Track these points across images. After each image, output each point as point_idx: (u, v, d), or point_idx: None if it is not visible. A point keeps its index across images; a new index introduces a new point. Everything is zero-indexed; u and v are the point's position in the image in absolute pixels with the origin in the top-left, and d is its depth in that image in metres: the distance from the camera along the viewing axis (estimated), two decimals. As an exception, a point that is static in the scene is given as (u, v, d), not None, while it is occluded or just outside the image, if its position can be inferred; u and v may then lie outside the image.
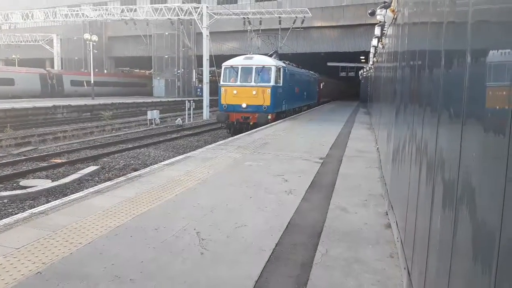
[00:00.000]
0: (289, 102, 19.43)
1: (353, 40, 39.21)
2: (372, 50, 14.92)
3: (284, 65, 18.39)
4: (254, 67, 16.51)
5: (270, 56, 19.50)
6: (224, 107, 16.72)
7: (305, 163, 8.09)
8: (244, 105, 16.25)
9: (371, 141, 11.47)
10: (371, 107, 20.20)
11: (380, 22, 8.56)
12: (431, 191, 2.33)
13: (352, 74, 43.28)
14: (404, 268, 3.25)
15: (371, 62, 18.99)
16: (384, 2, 7.09)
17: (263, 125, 15.27)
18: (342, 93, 54.75)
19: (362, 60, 39.49)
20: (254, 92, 16.16)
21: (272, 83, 16.35)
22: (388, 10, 6.56)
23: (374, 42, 11.88)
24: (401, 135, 4.22)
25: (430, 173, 2.42)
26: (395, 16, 6.20)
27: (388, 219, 4.73)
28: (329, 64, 42.08)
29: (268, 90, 16.19)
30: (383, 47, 9.86)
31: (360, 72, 36.09)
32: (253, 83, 16.37)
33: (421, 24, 3.24)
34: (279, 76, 17.10)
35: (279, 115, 17.85)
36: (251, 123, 16.09)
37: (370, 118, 19.10)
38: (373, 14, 8.05)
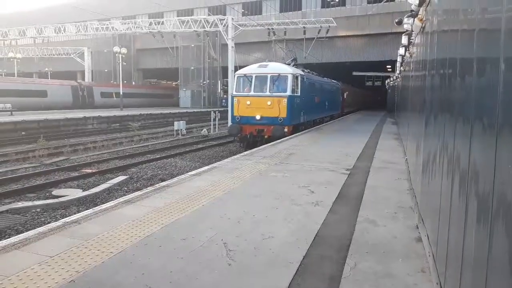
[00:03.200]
0: (308, 113, 18.10)
1: (378, 49, 38.86)
2: (399, 59, 14.73)
3: (302, 73, 17.14)
4: (269, 75, 15.31)
5: (289, 64, 18.49)
6: (237, 119, 15.55)
7: (332, 174, 8.01)
8: (258, 117, 15.01)
9: (399, 152, 11.25)
10: (398, 117, 19.85)
11: (407, 31, 8.45)
12: (464, 204, 2.27)
13: (378, 83, 42.75)
14: (437, 284, 3.16)
15: (398, 71, 18.74)
16: (411, 11, 7.01)
17: (279, 139, 14.05)
18: (367, 103, 53.98)
19: (388, 69, 39.00)
20: (269, 103, 14.92)
21: (288, 92, 15.07)
22: (416, 19, 6.48)
23: (401, 51, 11.74)
24: (431, 146, 4.13)
25: (463, 185, 2.36)
26: (423, 25, 6.12)
27: (419, 232, 4.61)
28: (354, 73, 41.73)
29: (284, 101, 14.91)
30: (411, 56, 9.72)
31: (386, 82, 35.59)
32: (267, 93, 15.14)
33: (451, 32, 3.19)
34: (297, 85, 15.88)
35: (297, 128, 16.61)
36: (265, 137, 14.88)
37: (397, 128, 18.75)
38: (400, 23, 7.96)
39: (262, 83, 15.35)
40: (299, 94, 16.03)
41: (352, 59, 40.98)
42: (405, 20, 7.36)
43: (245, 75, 15.82)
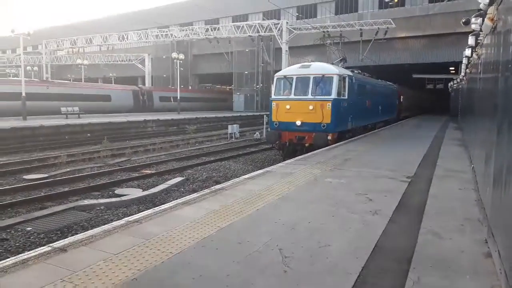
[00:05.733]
0: (357, 118, 16.36)
1: (440, 50, 36.95)
2: (464, 60, 13.88)
3: (350, 73, 15.50)
4: (311, 76, 13.78)
5: (337, 65, 17.09)
6: (276, 124, 14.18)
7: (391, 181, 7.69)
8: (298, 123, 13.58)
9: (464, 160, 10.57)
10: (463, 122, 18.71)
11: (474, 31, 7.94)
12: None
13: (440, 86, 40.60)
14: (512, 305, 2.89)
15: (462, 73, 17.68)
16: (479, 10, 6.57)
17: (321, 148, 12.66)
18: (428, 107, 51.38)
19: (451, 71, 36.98)
20: (311, 107, 13.45)
21: (333, 95, 13.49)
22: (486, 18, 6.06)
23: (467, 52, 11.05)
24: (505, 155, 3.81)
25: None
26: (495, 25, 5.70)
27: (488, 247, 4.28)
28: (415, 76, 39.96)
29: (329, 105, 13.32)
30: (479, 57, 9.11)
31: (449, 84, 33.70)
32: (310, 96, 13.63)
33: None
34: (344, 87, 14.27)
35: (343, 135, 14.95)
36: (306, 145, 13.51)
37: (462, 134, 17.68)
38: (467, 23, 7.48)
39: (304, 85, 13.91)
40: (346, 97, 14.49)
41: (411, 61, 39.30)
42: (473, 20, 6.92)
43: (285, 76, 14.56)
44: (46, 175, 11.70)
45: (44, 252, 3.93)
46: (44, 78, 46.82)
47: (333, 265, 3.75)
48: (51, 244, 4.15)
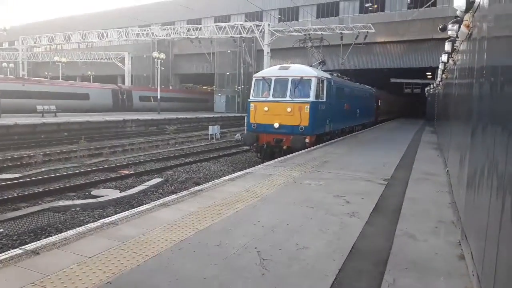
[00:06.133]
0: (336, 121, 16.31)
1: (418, 55, 37.79)
2: (440, 66, 14.22)
3: (329, 76, 15.44)
4: (290, 78, 13.65)
5: (316, 67, 17.05)
6: (253, 126, 14.04)
7: (368, 184, 7.80)
8: (276, 125, 13.44)
9: (439, 163, 10.82)
10: (438, 126, 19.16)
11: (450, 37, 8.13)
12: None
13: (417, 90, 41.44)
14: (483, 306, 2.96)
15: (439, 79, 18.13)
16: (456, 17, 6.73)
17: (299, 150, 12.62)
18: (405, 111, 52.44)
19: (428, 76, 37.84)
20: (288, 109, 13.35)
21: (311, 98, 13.36)
22: (462, 25, 6.21)
23: (444, 58, 11.32)
24: (479, 158, 3.91)
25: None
26: (470, 31, 5.85)
27: (462, 249, 4.38)
28: (392, 80, 40.72)
29: (307, 107, 13.26)
30: (455, 63, 9.34)
31: (426, 89, 34.44)
32: (288, 98, 13.51)
33: (506, 38, 3.01)
34: (322, 89, 14.20)
35: (321, 138, 14.89)
36: (284, 147, 13.45)
37: (437, 137, 18.09)
38: (444, 29, 7.66)
39: (283, 87, 13.78)
40: (324, 100, 14.40)
41: (390, 65, 40.06)
42: (450, 26, 7.08)
43: (263, 78, 14.35)
44: (19, 175, 11.37)
45: (16, 254, 3.81)
46: (20, 75, 45.57)
47: (311, 268, 3.76)
48: (23, 247, 4.03)
